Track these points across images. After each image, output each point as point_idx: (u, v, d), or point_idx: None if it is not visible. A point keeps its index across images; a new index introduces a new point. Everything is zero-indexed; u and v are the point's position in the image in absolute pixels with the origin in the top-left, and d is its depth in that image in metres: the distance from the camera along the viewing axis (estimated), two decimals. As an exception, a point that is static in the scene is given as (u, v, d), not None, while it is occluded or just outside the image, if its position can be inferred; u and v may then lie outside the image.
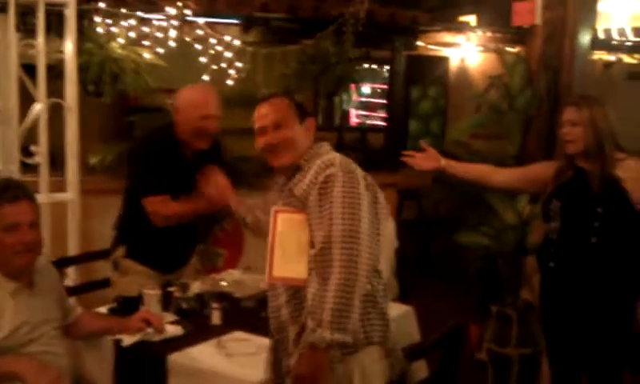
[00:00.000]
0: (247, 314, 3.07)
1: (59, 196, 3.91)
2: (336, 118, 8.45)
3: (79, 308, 2.75)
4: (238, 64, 5.26)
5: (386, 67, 7.58)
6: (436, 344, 2.64)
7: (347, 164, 2.25)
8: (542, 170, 3.18)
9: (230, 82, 5.28)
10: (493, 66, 8.25)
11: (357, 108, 8.89)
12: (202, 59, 5.19)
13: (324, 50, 5.48)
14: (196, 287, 3.26)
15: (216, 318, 2.91)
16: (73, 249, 4.02)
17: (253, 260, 5.29)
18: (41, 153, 3.89)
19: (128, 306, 3.00)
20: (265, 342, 2.64)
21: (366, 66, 7.79)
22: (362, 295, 2.10)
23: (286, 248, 2.30)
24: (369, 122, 8.63)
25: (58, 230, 3.93)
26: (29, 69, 4.00)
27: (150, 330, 2.68)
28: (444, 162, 3.42)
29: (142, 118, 5.21)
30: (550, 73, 4.38)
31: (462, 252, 4.53)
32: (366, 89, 8.83)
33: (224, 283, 3.31)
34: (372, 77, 8.37)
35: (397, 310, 3.20)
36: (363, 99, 8.83)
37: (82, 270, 3.96)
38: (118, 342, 2.69)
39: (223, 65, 5.25)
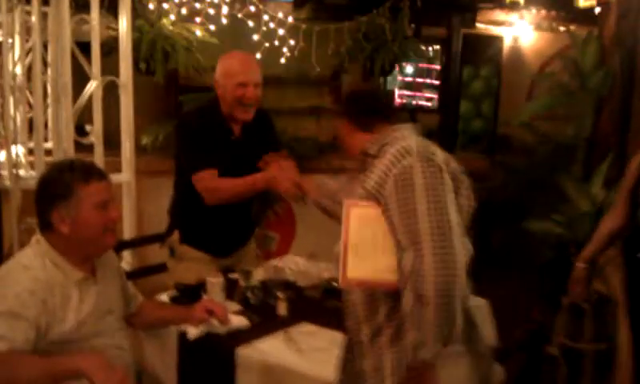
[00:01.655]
0: (312, 305, 2.93)
1: (115, 177, 3.77)
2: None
3: (140, 296, 2.62)
4: (291, 42, 5.08)
5: (435, 46, 7.37)
6: (521, 345, 2.45)
7: (426, 150, 2.00)
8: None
9: (282, 61, 5.11)
10: (547, 46, 8.02)
11: (400, 88, 8.67)
12: (254, 37, 5.02)
13: (379, 27, 5.28)
14: (259, 274, 3.12)
15: (282, 308, 2.77)
16: (128, 232, 3.90)
17: (303, 243, 5.19)
18: (95, 132, 3.77)
19: (190, 293, 2.88)
20: (334, 335, 2.51)
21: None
22: (462, 296, 1.90)
23: (360, 246, 2.05)
24: (413, 102, 8.39)
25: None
26: (81, 47, 3.88)
27: (214, 320, 2.54)
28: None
29: (193, 98, 5.07)
30: (625, 51, 4.13)
31: (527, 240, 4.32)
32: (409, 68, 8.61)
33: (288, 271, 3.15)
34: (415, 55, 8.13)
35: (472, 302, 3.03)
36: (407, 79, 8.60)
37: (137, 253, 3.85)
38: (182, 334, 2.56)
39: (276, 42, 5.08)
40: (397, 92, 8.34)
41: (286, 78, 5.50)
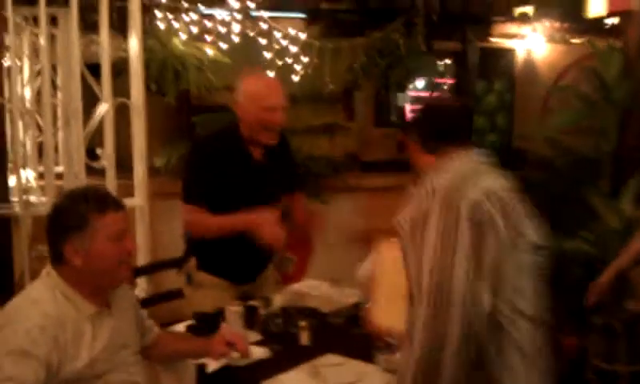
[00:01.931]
0: (337, 332, 2.79)
1: (127, 201, 3.66)
2: (392, 113, 8.10)
3: (156, 328, 2.50)
4: (304, 59, 4.98)
5: (446, 61, 7.25)
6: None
7: (455, 191, 1.80)
8: None
9: (295, 78, 5.00)
10: (561, 58, 7.90)
11: (411, 103, 8.56)
12: (267, 54, 4.93)
13: (393, 43, 5.18)
14: (279, 301, 3.00)
15: (305, 338, 2.64)
16: (142, 257, 3.78)
17: (321, 265, 5.06)
18: (107, 156, 3.66)
19: (208, 322, 2.75)
20: (362, 367, 2.38)
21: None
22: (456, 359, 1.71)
23: (389, 290, 1.96)
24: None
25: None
26: (90, 69, 3.79)
27: (234, 353, 2.41)
28: None
29: (206, 118, 4.98)
30: (650, 61, 4.01)
31: (552, 258, 4.16)
32: (419, 83, 8.50)
33: (310, 297, 3.02)
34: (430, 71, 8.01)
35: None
36: (416, 94, 8.48)
37: (152, 280, 3.73)
38: (200, 367, 2.43)
39: (288, 60, 4.99)
40: (408, 107, 8.23)
41: (299, 96, 5.39)
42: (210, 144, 3.00)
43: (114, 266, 2.09)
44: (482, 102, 7.72)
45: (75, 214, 2.04)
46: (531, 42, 7.73)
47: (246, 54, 5.03)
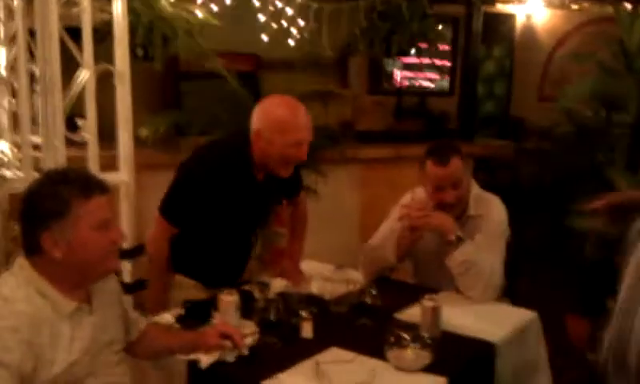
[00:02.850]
0: (340, 323, 2.55)
1: (111, 176, 3.39)
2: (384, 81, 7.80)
3: (143, 320, 2.25)
4: (301, 22, 4.69)
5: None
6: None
7: None
8: None
9: (291, 43, 4.71)
10: (561, 24, 7.65)
11: (401, 69, 8.26)
12: (261, 17, 4.63)
13: (395, 6, 4.88)
14: (276, 285, 2.76)
15: (307, 330, 2.40)
16: (127, 238, 3.49)
17: (314, 242, 4.80)
18: (88, 127, 3.37)
19: (199, 312, 2.51)
20: (372, 364, 2.15)
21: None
22: None
23: None
24: (416, 84, 7.95)
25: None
26: (70, 33, 3.48)
27: (228, 345, 2.17)
28: None
29: (195, 86, 4.70)
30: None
31: (566, 234, 3.95)
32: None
33: (313, 284, 2.77)
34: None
35: (521, 316, 2.67)
36: (408, 60, 8.16)
37: (138, 263, 3.45)
38: (191, 364, 2.19)
39: (284, 23, 4.68)
40: (398, 73, 7.93)
41: (296, 62, 5.12)
42: (214, 168, 2.65)
43: (99, 258, 1.86)
44: (480, 69, 7.48)
45: (55, 198, 1.79)
46: (531, 7, 7.50)
47: (239, 16, 4.73)
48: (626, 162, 3.69)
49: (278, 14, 4.61)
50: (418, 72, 7.45)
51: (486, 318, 2.59)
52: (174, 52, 4.42)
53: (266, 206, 2.88)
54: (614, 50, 3.67)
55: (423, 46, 5.49)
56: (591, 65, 4.47)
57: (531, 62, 7.87)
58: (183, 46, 4.37)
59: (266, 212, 2.93)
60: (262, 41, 4.68)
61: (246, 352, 2.18)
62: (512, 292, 3.07)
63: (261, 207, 2.85)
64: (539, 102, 7.78)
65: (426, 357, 2.16)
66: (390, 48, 4.90)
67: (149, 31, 4.21)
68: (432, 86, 7.40)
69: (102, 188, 1.86)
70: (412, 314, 2.56)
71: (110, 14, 3.65)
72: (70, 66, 3.46)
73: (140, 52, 4.20)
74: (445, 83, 7.38)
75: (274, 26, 4.60)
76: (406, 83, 7.33)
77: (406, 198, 3.06)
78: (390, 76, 7.58)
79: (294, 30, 4.70)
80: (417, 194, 3.00)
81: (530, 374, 2.64)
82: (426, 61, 7.21)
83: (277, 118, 2.56)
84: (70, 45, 3.39)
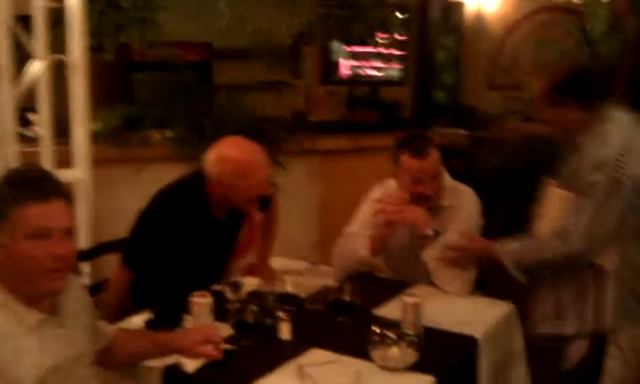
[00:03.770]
0: (318, 322, 2.46)
1: (66, 174, 3.21)
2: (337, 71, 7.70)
3: (110, 327, 2.11)
4: (259, 10, 4.55)
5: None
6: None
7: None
8: None
9: (249, 32, 4.58)
10: (512, 12, 7.68)
11: (345, 58, 8.18)
12: (215, 5, 4.47)
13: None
14: (249, 284, 2.65)
15: (285, 331, 2.30)
16: (85, 239, 3.32)
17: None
18: (42, 122, 3.18)
19: (169, 316, 2.38)
20: (355, 364, 2.06)
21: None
22: None
23: None
24: (361, 72, 7.88)
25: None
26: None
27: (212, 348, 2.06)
28: None
29: (147, 77, 4.53)
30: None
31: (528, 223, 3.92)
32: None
33: (287, 282, 2.67)
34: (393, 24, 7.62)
35: (499, 309, 2.63)
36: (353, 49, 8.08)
37: (97, 264, 3.28)
38: (167, 370, 2.07)
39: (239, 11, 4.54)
40: (342, 62, 7.85)
41: (250, 51, 4.98)
42: (171, 214, 2.64)
43: (39, 272, 1.67)
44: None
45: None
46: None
47: (193, 5, 4.57)
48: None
49: (235, 2, 4.46)
50: (370, 61, 7.37)
51: (465, 312, 2.54)
52: (126, 41, 4.25)
53: (225, 246, 2.84)
54: (578, 39, 3.65)
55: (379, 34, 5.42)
56: (549, 54, 4.49)
57: (481, 50, 7.88)
58: (136, 35, 4.21)
59: (226, 252, 2.89)
60: (216, 30, 4.54)
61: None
62: (483, 284, 3.02)
63: (220, 247, 2.81)
64: (489, 91, 7.81)
65: (411, 355, 2.10)
66: (350, 37, 4.80)
67: (100, 20, 4.04)
68: (383, 75, 7.33)
69: (44, 193, 1.67)
70: (391, 310, 2.49)
71: (60, 1, 3.46)
72: (20, 57, 3.27)
73: (91, 41, 4.02)
74: (397, 72, 7.31)
75: (229, 13, 4.45)
76: (359, 73, 7.24)
77: (377, 192, 2.99)
78: (342, 66, 7.50)
79: (249, 18, 4.55)
80: (388, 187, 2.93)
81: (509, 367, 2.60)
82: (379, 50, 7.13)
83: (236, 164, 2.56)
84: (21, 34, 3.19)
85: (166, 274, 2.65)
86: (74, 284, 1.91)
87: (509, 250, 2.55)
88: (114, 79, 4.90)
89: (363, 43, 5.03)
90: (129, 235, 2.66)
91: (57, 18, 3.43)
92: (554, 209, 2.49)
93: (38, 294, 1.71)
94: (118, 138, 4.31)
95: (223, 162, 2.57)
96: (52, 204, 1.67)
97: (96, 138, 4.18)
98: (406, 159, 2.72)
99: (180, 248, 2.62)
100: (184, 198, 2.67)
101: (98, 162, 3.95)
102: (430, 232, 2.67)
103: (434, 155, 2.70)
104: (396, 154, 2.76)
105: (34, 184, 1.68)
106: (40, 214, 1.65)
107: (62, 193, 1.72)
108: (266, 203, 2.98)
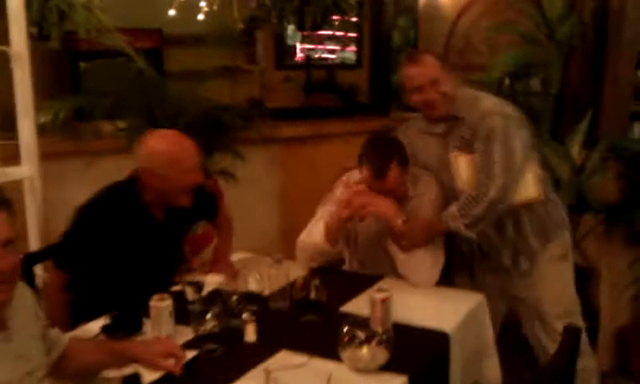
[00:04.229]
0: (284, 321, 2.36)
1: (12, 171, 3.04)
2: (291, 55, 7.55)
3: (64, 337, 1.98)
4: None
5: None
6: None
7: None
8: None
9: (201, 17, 4.41)
10: (465, -7, 7.64)
11: (306, 42, 8.05)
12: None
13: (307, -25, 4.66)
14: (210, 283, 2.54)
15: (250, 333, 2.19)
16: (35, 240, 3.14)
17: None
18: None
19: (127, 321, 2.26)
20: (326, 366, 1.98)
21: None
22: None
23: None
24: (315, 56, 7.76)
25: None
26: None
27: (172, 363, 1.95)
28: None
29: (96, 65, 4.34)
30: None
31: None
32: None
33: (250, 280, 2.56)
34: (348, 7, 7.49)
35: (469, 300, 2.57)
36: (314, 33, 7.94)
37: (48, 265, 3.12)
38: (129, 379, 1.95)
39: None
40: (297, 46, 7.74)
41: (202, 37, 4.82)
42: (101, 209, 2.58)
43: None
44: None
45: None
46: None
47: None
48: (550, 133, 3.65)
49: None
50: (325, 45, 7.26)
51: (434, 305, 2.49)
52: (71, 29, 4.05)
53: (170, 249, 2.75)
54: (536, 20, 3.60)
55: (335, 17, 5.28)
56: (499, 36, 4.44)
57: (435, 32, 7.83)
58: (82, 22, 4.01)
59: (171, 256, 2.81)
60: (166, 15, 4.36)
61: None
62: (447, 273, 2.96)
63: (164, 250, 2.71)
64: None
65: (383, 355, 2.01)
66: (304, 21, 4.68)
67: (43, 7, 3.84)
68: (339, 58, 7.22)
69: None
70: (358, 306, 2.42)
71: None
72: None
73: (34, 30, 3.82)
74: (353, 56, 7.21)
75: (181, -1, 4.28)
76: (314, 56, 7.12)
77: (341, 186, 2.89)
78: (296, 50, 7.37)
79: (201, 3, 4.39)
80: (351, 179, 2.84)
81: (478, 360, 2.55)
82: (332, 33, 7.01)
83: (165, 153, 2.52)
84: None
85: (107, 278, 2.57)
86: (21, 294, 1.78)
87: (450, 214, 2.60)
88: (60, 69, 4.70)
89: (318, 28, 4.88)
90: (60, 235, 2.59)
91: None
92: (466, 172, 2.67)
93: None
94: (67, 131, 4.13)
95: (152, 154, 2.53)
96: None
97: (44, 130, 4.01)
98: (366, 176, 2.64)
99: (117, 248, 2.55)
100: (117, 195, 2.62)
101: (47, 156, 3.78)
102: (399, 223, 2.58)
103: (394, 173, 2.62)
104: (360, 162, 2.68)
105: None
106: None
107: (3, 202, 1.59)
108: (212, 209, 2.97)
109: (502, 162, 2.56)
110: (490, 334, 2.60)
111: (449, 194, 2.74)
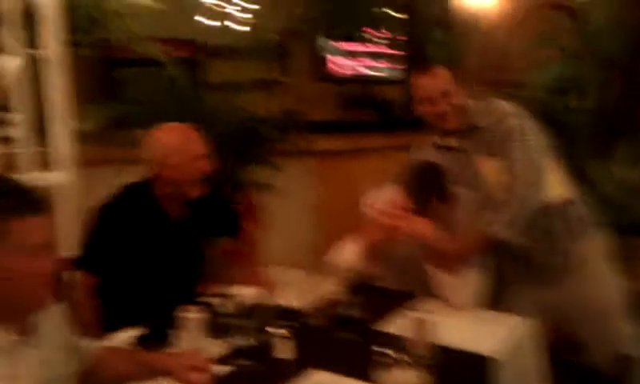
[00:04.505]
0: (318, 338, 2.29)
1: (45, 177, 3.02)
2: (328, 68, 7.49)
3: (95, 344, 1.93)
4: (245, 4, 4.36)
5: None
6: None
7: None
8: None
9: (233, 27, 4.38)
10: (505, 8, 7.55)
11: (338, 56, 7.99)
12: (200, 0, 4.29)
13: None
14: (247, 296, 2.47)
15: (285, 349, 2.11)
16: (70, 248, 3.09)
17: (268, 236, 4.56)
18: (19, 122, 2.96)
19: (161, 331, 2.21)
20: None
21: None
22: None
23: None
24: (362, 72, 7.70)
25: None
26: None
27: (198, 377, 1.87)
28: None
29: (133, 73, 4.31)
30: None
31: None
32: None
33: (286, 294, 2.48)
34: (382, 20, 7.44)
35: (516, 324, 2.46)
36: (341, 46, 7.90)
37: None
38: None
39: (226, 7, 4.36)
40: (334, 60, 7.68)
41: (238, 48, 4.78)
42: (115, 210, 2.63)
43: (30, 289, 1.55)
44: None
45: None
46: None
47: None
48: (591, 150, 3.54)
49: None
50: (364, 60, 7.19)
51: (480, 328, 2.38)
52: (102, 36, 4.04)
53: (190, 248, 2.72)
54: (575, 35, 3.50)
55: (372, 32, 5.23)
56: (543, 50, 4.34)
57: (470, 47, 7.75)
58: (114, 29, 4.00)
59: (193, 255, 2.78)
60: (201, 26, 4.35)
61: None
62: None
63: (184, 249, 2.69)
64: (477, 87, 7.67)
65: (419, 378, 1.91)
66: (335, 31, 4.61)
67: (75, 14, 3.83)
68: (378, 74, 7.15)
69: (37, 205, 1.56)
70: (395, 324, 2.33)
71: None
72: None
73: (70, 37, 3.81)
74: (392, 71, 7.13)
75: (215, 9, 4.25)
76: (352, 71, 7.05)
77: (373, 198, 2.81)
78: (334, 63, 7.31)
79: (235, 14, 4.36)
80: (385, 194, 2.76)
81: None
82: (373, 48, 6.96)
83: (170, 143, 2.61)
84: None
85: (131, 279, 2.57)
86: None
87: (485, 221, 2.55)
88: (98, 76, 4.70)
89: (351, 39, 4.82)
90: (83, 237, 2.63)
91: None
92: (492, 177, 2.63)
93: (23, 312, 1.58)
94: (101, 138, 4.11)
95: (158, 147, 2.61)
96: (44, 217, 1.57)
97: (82, 138, 4.00)
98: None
99: (136, 245, 2.56)
100: (133, 192, 2.67)
101: (85, 163, 3.78)
102: (436, 241, 2.50)
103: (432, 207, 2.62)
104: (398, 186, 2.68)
105: (24, 194, 1.55)
106: (38, 226, 1.54)
107: (45, 205, 1.59)
108: (234, 225, 2.95)
109: (522, 159, 2.54)
110: (541, 361, 2.49)
111: (477, 205, 2.67)
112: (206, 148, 2.65)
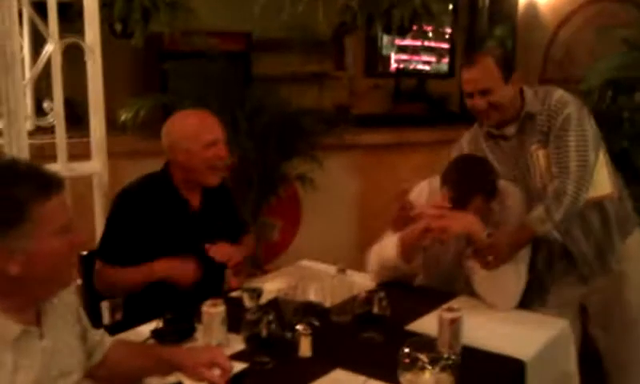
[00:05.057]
0: (343, 336, 2.19)
1: (82, 166, 3.01)
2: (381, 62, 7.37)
3: (108, 338, 1.88)
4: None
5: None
6: None
7: None
8: None
9: (289, 22, 4.32)
10: (566, 4, 7.29)
11: (397, 51, 7.87)
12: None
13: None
14: (270, 290, 2.40)
15: (305, 347, 2.04)
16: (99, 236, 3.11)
17: (310, 231, 4.50)
18: (55, 109, 2.97)
19: (179, 325, 2.15)
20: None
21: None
22: None
23: None
24: (410, 66, 7.55)
25: (79, 208, 3.00)
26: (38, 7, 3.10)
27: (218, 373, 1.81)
28: None
29: (179, 66, 4.32)
30: None
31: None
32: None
33: (311, 290, 2.39)
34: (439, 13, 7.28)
35: (550, 326, 2.32)
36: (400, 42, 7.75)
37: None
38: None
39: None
40: (388, 55, 7.55)
41: (289, 41, 4.73)
42: (134, 197, 2.60)
43: (61, 269, 1.55)
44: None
45: (8, 200, 1.44)
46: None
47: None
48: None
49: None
50: (417, 54, 7.06)
51: (512, 331, 2.25)
52: (156, 28, 4.03)
53: (209, 239, 2.64)
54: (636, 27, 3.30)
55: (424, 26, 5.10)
56: (601, 45, 4.14)
57: (533, 42, 7.52)
58: (166, 21, 3.99)
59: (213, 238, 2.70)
60: (253, 19, 4.31)
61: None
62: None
63: (203, 239, 2.60)
64: (540, 84, 7.43)
65: (447, 381, 1.81)
66: (390, 25, 4.49)
67: (128, 5, 3.83)
68: (431, 68, 7.01)
69: (59, 184, 1.53)
70: (426, 325, 2.22)
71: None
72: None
73: (119, 27, 3.82)
74: (445, 65, 6.99)
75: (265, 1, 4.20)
76: (405, 65, 6.93)
77: (418, 190, 2.71)
78: (387, 58, 7.20)
79: (287, 6, 4.29)
80: (433, 185, 2.65)
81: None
82: (425, 42, 6.82)
83: (187, 126, 2.59)
84: (34, 17, 2.99)
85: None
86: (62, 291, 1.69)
87: (537, 217, 2.41)
88: (148, 68, 4.73)
89: (404, 32, 4.69)
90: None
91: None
92: (544, 166, 2.55)
93: (45, 296, 1.59)
94: (150, 129, 4.12)
95: (174, 130, 2.60)
96: (64, 195, 1.56)
97: (124, 128, 4.02)
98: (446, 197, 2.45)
99: (154, 233, 2.52)
100: (151, 180, 2.66)
101: (126, 154, 3.78)
102: (484, 237, 2.37)
103: (476, 205, 2.44)
104: (442, 181, 2.52)
105: (44, 177, 1.52)
106: (62, 206, 1.53)
107: (64, 183, 1.57)
108: (238, 228, 2.87)
109: (576, 149, 2.45)
110: (573, 364, 2.35)
111: (531, 196, 2.57)
112: (222, 134, 2.61)
